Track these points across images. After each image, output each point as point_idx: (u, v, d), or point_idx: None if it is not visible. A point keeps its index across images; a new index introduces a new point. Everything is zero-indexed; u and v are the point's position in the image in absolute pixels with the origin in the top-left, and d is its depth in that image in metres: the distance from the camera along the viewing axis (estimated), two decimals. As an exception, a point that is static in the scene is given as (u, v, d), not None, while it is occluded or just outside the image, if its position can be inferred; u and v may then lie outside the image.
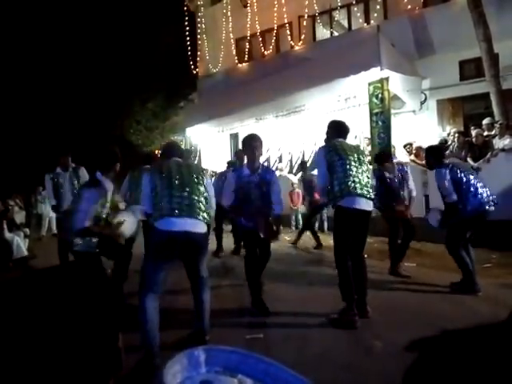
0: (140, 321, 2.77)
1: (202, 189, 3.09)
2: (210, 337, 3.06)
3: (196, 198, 3.02)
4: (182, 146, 10.22)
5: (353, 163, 3.57)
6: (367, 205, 3.56)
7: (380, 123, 7.53)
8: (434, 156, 4.53)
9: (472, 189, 4.25)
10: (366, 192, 3.56)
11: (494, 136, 7.51)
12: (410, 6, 10.11)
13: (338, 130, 3.78)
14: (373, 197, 3.66)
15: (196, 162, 13.59)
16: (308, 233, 7.56)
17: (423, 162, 7.70)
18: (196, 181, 3.10)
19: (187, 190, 3.00)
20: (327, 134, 3.83)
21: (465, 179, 4.27)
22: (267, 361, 0.57)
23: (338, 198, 3.51)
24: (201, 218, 2.97)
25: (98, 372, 0.46)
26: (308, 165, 10.49)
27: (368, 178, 3.67)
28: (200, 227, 2.97)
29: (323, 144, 3.77)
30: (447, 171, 4.27)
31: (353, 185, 3.48)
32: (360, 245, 3.67)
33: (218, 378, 0.55)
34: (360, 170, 3.60)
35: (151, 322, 2.78)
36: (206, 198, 3.09)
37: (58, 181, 5.73)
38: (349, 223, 3.53)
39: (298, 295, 4.39)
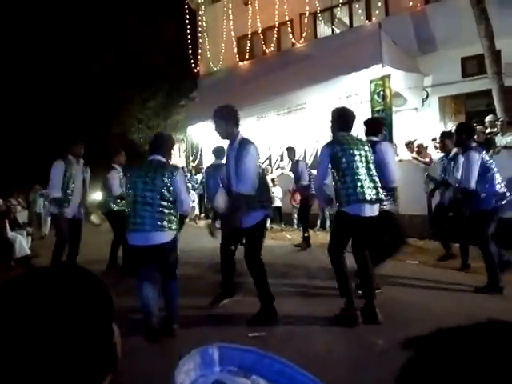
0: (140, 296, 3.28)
1: (164, 203, 3.25)
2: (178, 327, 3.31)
3: (159, 209, 3.24)
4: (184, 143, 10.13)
5: (359, 162, 3.47)
6: (371, 210, 3.50)
7: (382, 121, 7.49)
8: (467, 133, 4.34)
9: (496, 178, 4.16)
10: (373, 195, 3.47)
11: (496, 133, 7.47)
12: (411, 3, 10.08)
13: (341, 122, 3.65)
14: (381, 197, 3.57)
15: (199, 160, 13.55)
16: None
17: (426, 159, 7.68)
18: (160, 194, 3.25)
19: (149, 202, 3.23)
20: (331, 128, 3.72)
21: (490, 167, 4.17)
22: (283, 361, 0.56)
23: (344, 204, 3.45)
24: (163, 228, 3.23)
25: (92, 369, 0.45)
26: (309, 162, 10.50)
27: (376, 174, 3.59)
28: (160, 238, 3.25)
29: (328, 141, 3.65)
30: (479, 156, 4.10)
31: (361, 190, 3.40)
32: (363, 245, 3.61)
33: (231, 378, 0.54)
34: (368, 167, 3.53)
35: (148, 294, 3.27)
36: (171, 203, 3.28)
37: (71, 171, 4.97)
38: (350, 228, 3.51)
39: (300, 293, 4.38)
